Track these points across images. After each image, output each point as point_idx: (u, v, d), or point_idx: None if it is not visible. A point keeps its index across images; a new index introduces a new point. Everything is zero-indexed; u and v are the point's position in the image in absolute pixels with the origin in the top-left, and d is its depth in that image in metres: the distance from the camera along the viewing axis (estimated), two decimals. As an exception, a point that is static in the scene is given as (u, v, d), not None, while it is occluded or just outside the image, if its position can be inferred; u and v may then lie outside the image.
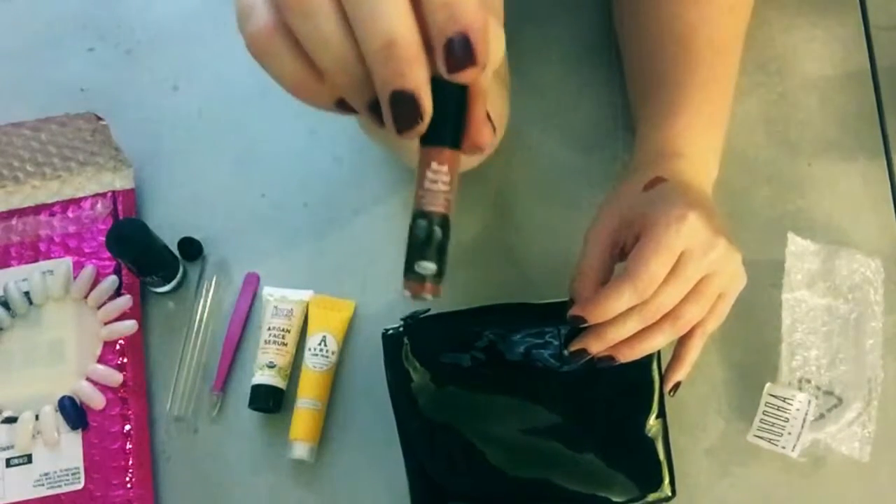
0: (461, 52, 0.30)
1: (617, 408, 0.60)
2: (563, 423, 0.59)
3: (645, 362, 0.59)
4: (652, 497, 0.59)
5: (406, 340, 0.60)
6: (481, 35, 0.30)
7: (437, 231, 0.32)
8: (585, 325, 0.53)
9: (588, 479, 0.59)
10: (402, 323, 0.61)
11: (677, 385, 0.59)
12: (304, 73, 0.31)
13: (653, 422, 0.60)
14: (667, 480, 0.60)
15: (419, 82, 0.30)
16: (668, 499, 0.60)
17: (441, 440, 0.59)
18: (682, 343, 0.57)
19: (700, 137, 0.60)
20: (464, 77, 0.30)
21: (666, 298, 0.51)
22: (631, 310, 0.51)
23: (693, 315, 0.53)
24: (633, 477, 0.59)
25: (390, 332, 0.61)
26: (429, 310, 0.61)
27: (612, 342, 0.53)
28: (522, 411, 0.59)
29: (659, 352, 0.59)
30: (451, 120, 0.32)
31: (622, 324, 0.52)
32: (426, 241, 0.32)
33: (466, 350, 0.59)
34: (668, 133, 0.60)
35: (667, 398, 0.60)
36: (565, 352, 0.55)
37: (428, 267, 0.32)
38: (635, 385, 0.60)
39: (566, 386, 0.58)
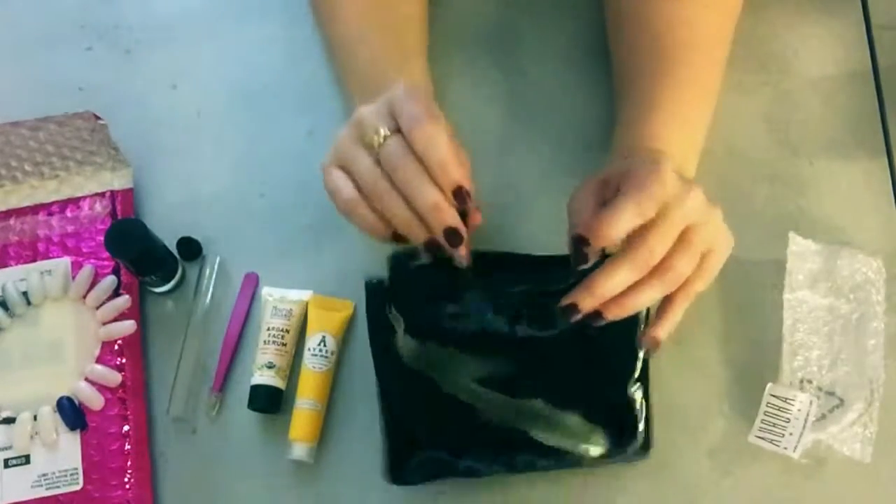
0: (459, 200, 0.54)
1: (600, 370, 0.60)
2: (545, 383, 0.60)
3: (630, 328, 0.60)
4: (630, 450, 0.60)
5: (390, 291, 0.60)
6: (467, 185, 0.53)
7: None
8: (583, 266, 0.54)
9: (567, 434, 0.59)
10: (386, 276, 0.61)
11: (656, 344, 0.57)
12: (377, 223, 0.55)
13: (634, 386, 0.60)
14: (640, 429, 0.60)
15: (457, 220, 0.53)
16: (643, 451, 0.61)
17: (418, 390, 0.60)
18: (667, 300, 0.56)
19: (675, 136, 0.60)
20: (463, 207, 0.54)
21: (653, 243, 0.51)
22: (622, 259, 0.52)
23: (682, 266, 0.53)
24: (611, 433, 0.60)
25: (374, 281, 0.61)
26: (420, 258, 0.61)
27: (602, 297, 0.53)
28: (499, 367, 0.59)
29: (646, 318, 0.60)
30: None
31: (612, 274, 0.52)
32: None
33: (450, 304, 0.60)
34: (642, 131, 0.61)
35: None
36: (556, 306, 0.55)
37: None
38: (619, 349, 0.60)
39: (550, 347, 0.59)
